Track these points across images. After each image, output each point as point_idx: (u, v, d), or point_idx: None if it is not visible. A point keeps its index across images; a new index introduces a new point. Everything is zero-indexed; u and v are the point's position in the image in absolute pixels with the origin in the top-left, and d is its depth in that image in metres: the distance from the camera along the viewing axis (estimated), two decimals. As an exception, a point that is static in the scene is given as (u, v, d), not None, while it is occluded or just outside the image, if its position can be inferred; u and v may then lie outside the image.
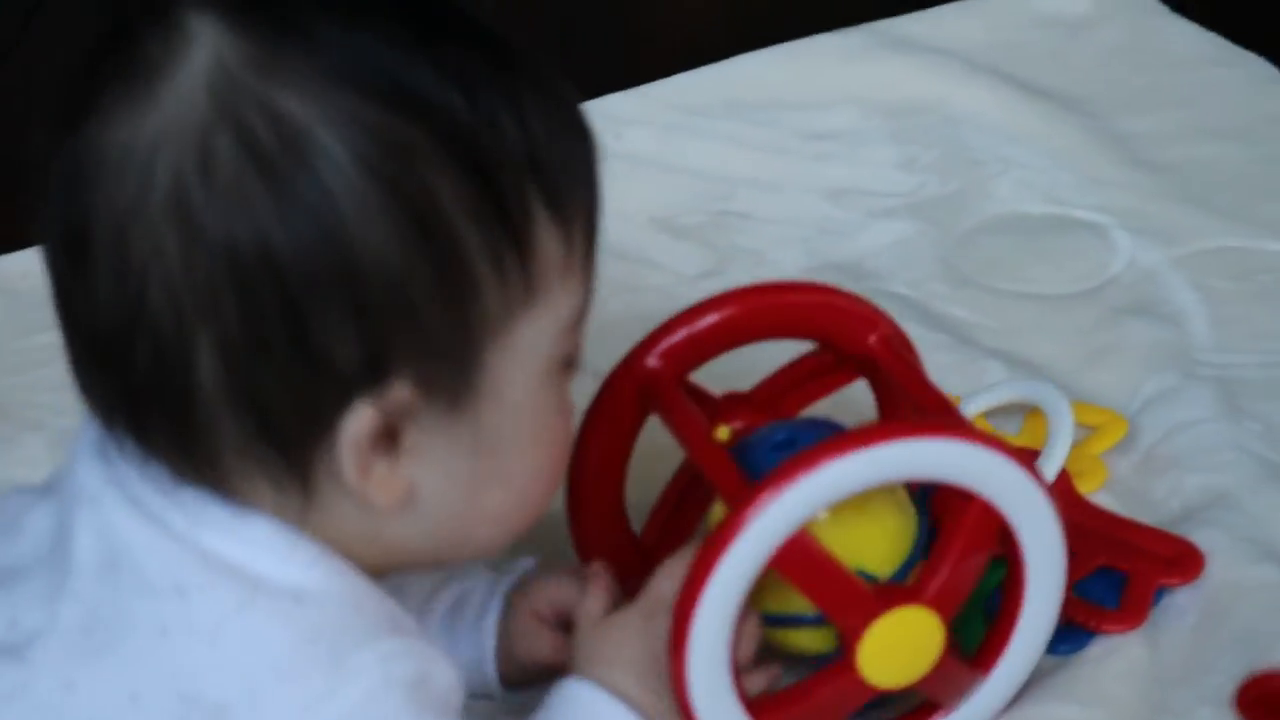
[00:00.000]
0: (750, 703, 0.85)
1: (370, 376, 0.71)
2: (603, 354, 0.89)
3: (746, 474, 0.85)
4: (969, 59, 1.37)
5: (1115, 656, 0.92)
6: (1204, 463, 1.03)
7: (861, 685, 0.85)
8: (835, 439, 0.84)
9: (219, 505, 0.73)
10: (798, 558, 0.82)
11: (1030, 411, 1.06)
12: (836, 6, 1.44)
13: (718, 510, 0.89)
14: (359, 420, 0.71)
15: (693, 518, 0.97)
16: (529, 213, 0.73)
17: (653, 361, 0.92)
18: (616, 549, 0.94)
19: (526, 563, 0.92)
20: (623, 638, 0.83)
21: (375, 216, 0.69)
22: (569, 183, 0.75)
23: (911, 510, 0.89)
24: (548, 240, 0.74)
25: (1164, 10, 1.43)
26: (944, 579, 0.85)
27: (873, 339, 0.93)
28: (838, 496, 0.83)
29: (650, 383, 0.92)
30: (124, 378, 0.72)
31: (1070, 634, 0.93)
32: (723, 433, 0.90)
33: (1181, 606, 0.95)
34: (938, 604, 0.85)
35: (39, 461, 1.03)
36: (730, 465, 0.87)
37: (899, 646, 0.84)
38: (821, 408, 0.96)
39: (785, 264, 1.21)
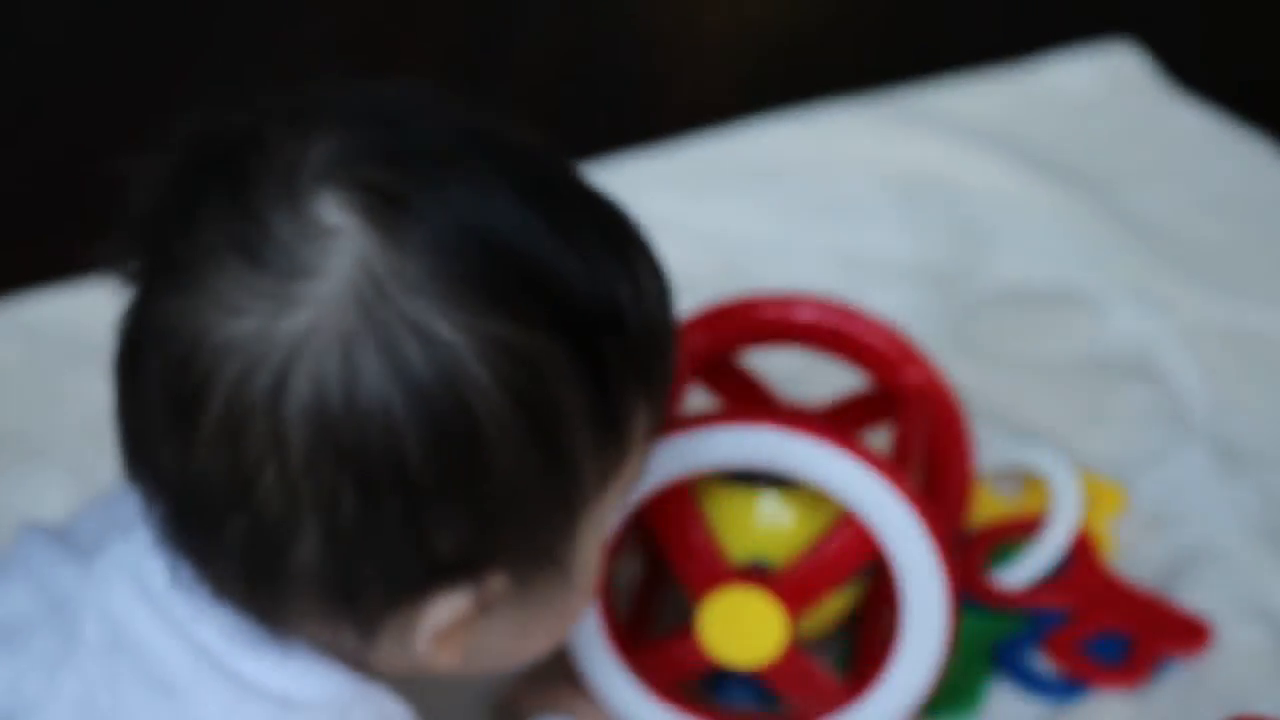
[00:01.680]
0: (622, 639, 0.88)
1: (471, 569, 0.71)
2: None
3: None
4: (980, 131, 1.38)
5: (1102, 711, 0.94)
6: (1198, 524, 1.05)
7: (698, 651, 0.88)
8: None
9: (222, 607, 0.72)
10: (669, 504, 0.86)
11: (1030, 476, 1.07)
12: (849, 74, 1.45)
13: None
14: (451, 608, 0.71)
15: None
16: (633, 408, 0.73)
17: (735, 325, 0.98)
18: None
19: None
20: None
21: (510, 434, 0.68)
22: (662, 361, 0.75)
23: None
24: (639, 423, 0.74)
25: (1173, 92, 1.44)
26: (798, 575, 0.87)
27: (910, 380, 0.96)
28: (716, 464, 0.85)
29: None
30: (204, 534, 0.70)
31: (1067, 686, 0.95)
32: None
33: (1170, 663, 0.96)
34: (786, 595, 0.86)
35: (56, 502, 1.04)
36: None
37: (738, 624, 0.86)
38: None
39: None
